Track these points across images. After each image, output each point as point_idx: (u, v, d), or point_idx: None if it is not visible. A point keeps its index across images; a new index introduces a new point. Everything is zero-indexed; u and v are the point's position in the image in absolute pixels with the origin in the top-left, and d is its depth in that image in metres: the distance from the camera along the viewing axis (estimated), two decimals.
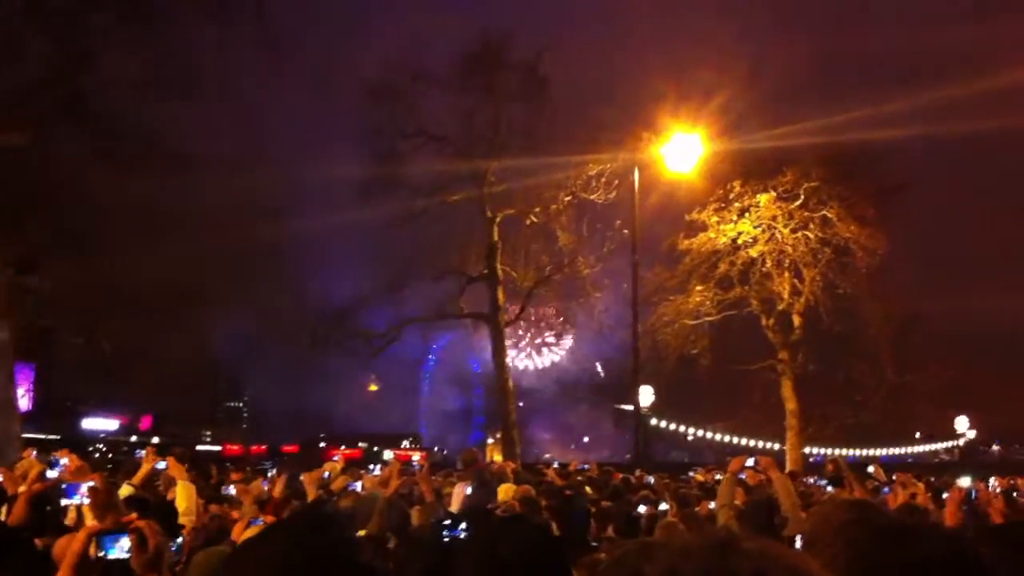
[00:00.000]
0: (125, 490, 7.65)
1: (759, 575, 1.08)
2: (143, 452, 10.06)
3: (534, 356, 68.32)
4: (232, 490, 9.98)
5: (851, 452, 55.36)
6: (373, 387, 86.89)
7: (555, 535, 2.78)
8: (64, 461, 8.58)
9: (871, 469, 14.86)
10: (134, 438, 70.11)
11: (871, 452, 55.74)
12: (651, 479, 15.01)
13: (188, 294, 27.57)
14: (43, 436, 40.41)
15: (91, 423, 72.22)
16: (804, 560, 1.13)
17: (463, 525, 5.78)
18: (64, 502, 6.27)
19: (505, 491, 9.01)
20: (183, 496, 7.30)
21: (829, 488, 12.77)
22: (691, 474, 17.94)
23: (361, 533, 4.97)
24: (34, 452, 15.07)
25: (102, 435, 69.94)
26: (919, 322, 35.19)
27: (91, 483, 5.83)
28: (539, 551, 2.55)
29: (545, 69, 31.14)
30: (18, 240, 21.07)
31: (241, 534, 5.81)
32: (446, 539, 6.13)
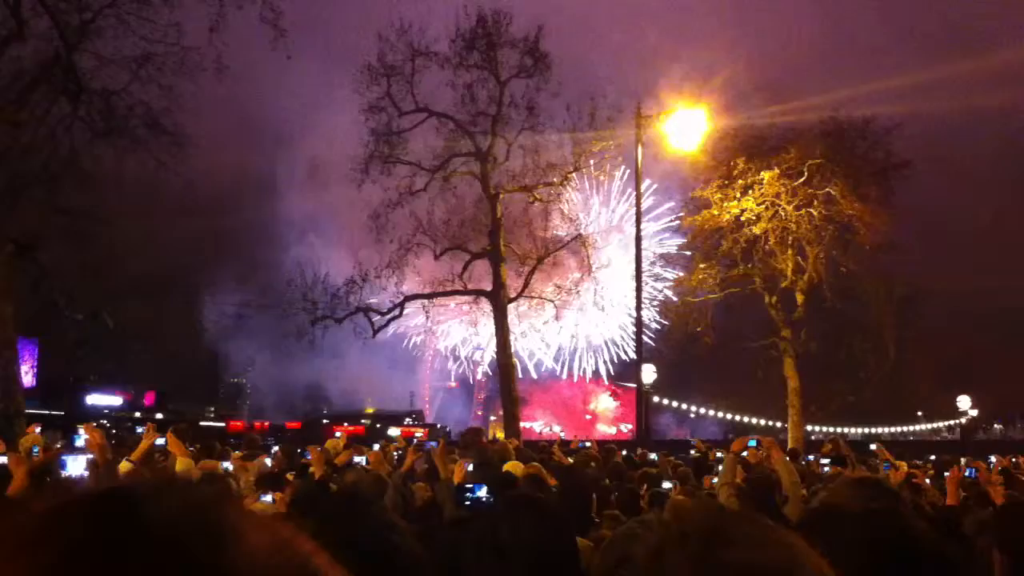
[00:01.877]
0: (124, 466, 7.67)
1: (750, 567, 1.06)
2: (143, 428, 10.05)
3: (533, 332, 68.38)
4: (229, 466, 9.96)
5: (853, 430, 55.52)
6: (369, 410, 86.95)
7: (563, 518, 2.74)
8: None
9: (874, 447, 14.91)
10: (138, 414, 70.30)
11: (873, 431, 55.88)
12: (654, 456, 15.02)
13: (187, 270, 27.62)
14: (47, 412, 40.47)
15: (95, 399, 72.37)
16: (797, 543, 1.10)
17: (484, 488, 5.78)
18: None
19: (510, 468, 9.00)
20: (182, 472, 7.31)
21: (826, 469, 12.79)
22: (692, 452, 17.94)
23: None
24: (38, 428, 15.14)
25: (106, 411, 70.10)
26: (922, 301, 35.17)
27: (90, 455, 5.86)
28: (545, 535, 2.52)
29: (546, 45, 30.94)
30: (18, 217, 21.09)
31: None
32: (468, 502, 6.16)
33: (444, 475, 7.90)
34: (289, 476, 9.53)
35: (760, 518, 1.17)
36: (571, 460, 12.96)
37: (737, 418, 54.89)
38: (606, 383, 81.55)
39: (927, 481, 11.36)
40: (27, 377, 39.28)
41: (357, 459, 11.10)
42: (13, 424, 18.91)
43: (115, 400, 74.56)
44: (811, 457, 16.41)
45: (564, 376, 77.77)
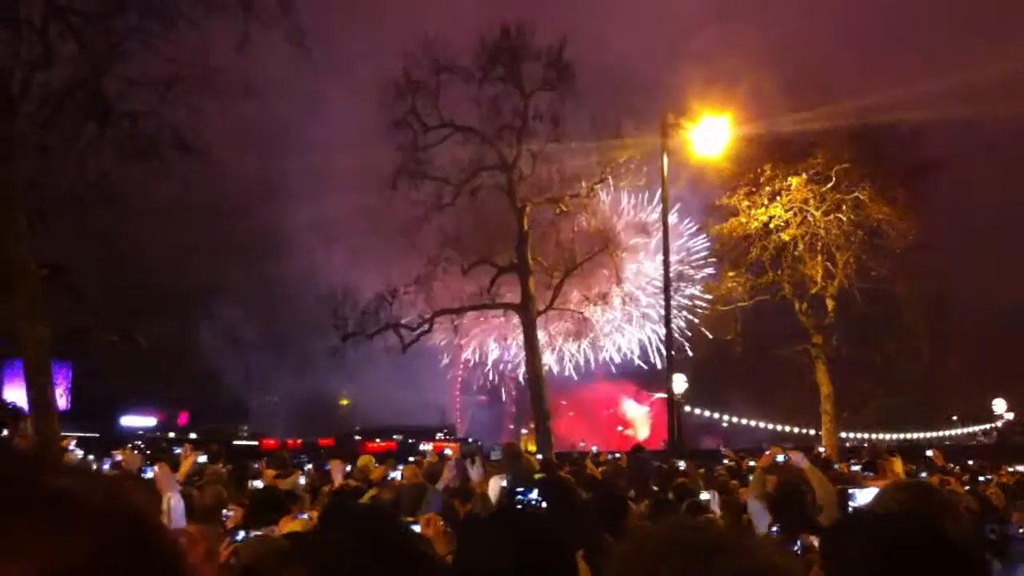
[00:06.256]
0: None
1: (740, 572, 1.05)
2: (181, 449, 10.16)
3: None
4: (260, 484, 10.02)
5: (886, 436, 54.93)
6: (344, 400, 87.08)
7: (533, 540, 2.63)
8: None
9: (930, 453, 14.83)
10: (172, 434, 70.75)
11: (907, 436, 55.28)
12: (682, 464, 14.93)
13: (216, 290, 27.82)
14: (81, 434, 40.88)
15: (129, 420, 72.90)
16: (776, 551, 1.10)
17: (535, 492, 5.75)
18: None
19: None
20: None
21: (867, 474, 12.71)
22: (724, 461, 17.83)
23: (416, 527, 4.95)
24: (72, 444, 15.26)
25: (140, 432, 70.61)
26: (954, 302, 34.82)
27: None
28: (500, 558, 2.45)
29: (569, 56, 30.95)
30: (49, 241, 21.31)
31: (286, 527, 5.77)
32: (519, 504, 6.15)
33: (481, 490, 7.86)
34: (325, 489, 9.58)
35: (743, 532, 1.17)
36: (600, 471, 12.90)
37: (770, 427, 54.49)
38: (636, 392, 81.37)
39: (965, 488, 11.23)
40: (61, 400, 39.57)
41: (393, 474, 11.15)
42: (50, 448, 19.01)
43: (149, 421, 75.20)
44: (848, 465, 16.27)
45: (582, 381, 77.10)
